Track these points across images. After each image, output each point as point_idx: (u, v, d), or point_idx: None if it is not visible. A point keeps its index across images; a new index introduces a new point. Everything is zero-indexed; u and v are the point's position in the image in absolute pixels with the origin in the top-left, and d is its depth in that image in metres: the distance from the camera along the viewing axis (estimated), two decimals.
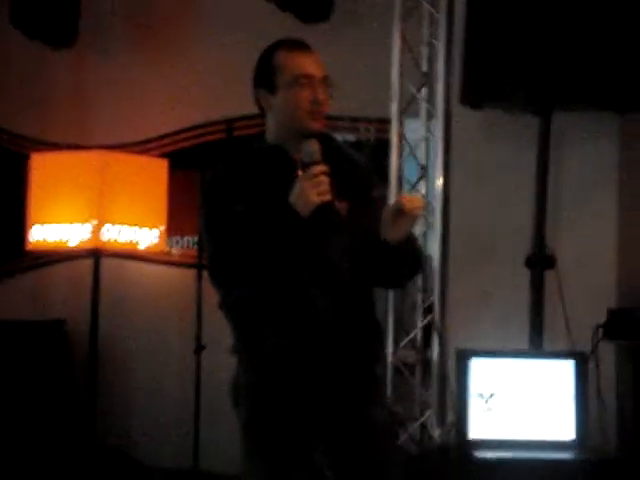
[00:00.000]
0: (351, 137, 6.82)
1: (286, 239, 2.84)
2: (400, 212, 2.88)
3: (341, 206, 2.91)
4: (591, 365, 4.78)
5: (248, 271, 2.85)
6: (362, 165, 3.12)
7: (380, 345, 3.05)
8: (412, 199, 2.93)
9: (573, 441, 4.67)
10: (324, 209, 2.86)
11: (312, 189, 2.84)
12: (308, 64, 2.96)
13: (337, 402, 2.92)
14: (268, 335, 2.90)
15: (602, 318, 4.85)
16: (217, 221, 2.92)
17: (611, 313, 4.86)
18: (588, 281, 5.06)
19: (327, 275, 2.91)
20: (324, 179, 2.86)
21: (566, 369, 4.72)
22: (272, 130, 3.02)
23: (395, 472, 2.95)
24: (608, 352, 4.91)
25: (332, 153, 2.96)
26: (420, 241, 5.53)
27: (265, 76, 3.00)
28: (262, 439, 2.91)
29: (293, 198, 2.86)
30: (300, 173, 2.89)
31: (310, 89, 2.94)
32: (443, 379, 5.25)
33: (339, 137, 6.49)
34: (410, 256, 2.99)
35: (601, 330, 4.84)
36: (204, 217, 2.98)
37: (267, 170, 2.97)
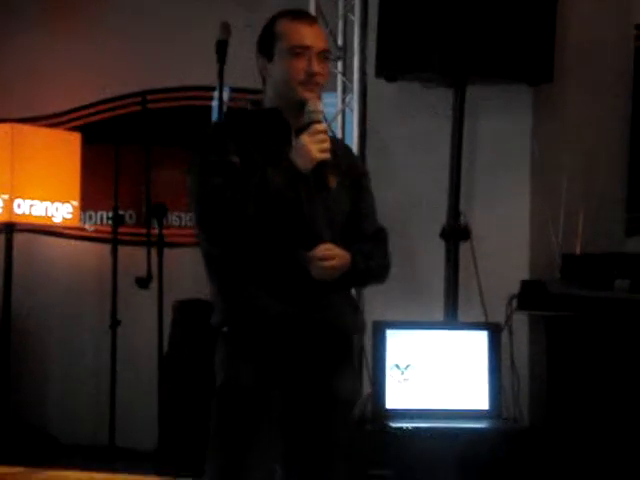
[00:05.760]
0: None
1: (278, 195, 2.85)
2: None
3: (332, 178, 2.93)
4: (505, 336, 4.85)
5: (237, 222, 2.85)
6: (351, 150, 3.26)
7: (359, 315, 3.12)
8: (319, 265, 2.90)
9: (487, 411, 4.74)
10: (322, 167, 2.89)
11: (315, 145, 2.88)
12: (307, 35, 2.99)
13: (308, 373, 2.95)
14: (257, 294, 2.91)
15: (515, 289, 4.91)
16: (211, 168, 2.91)
17: (524, 284, 4.93)
18: (502, 253, 5.12)
19: (312, 238, 2.93)
20: (326, 137, 2.92)
21: (480, 340, 4.78)
22: (269, 97, 3.06)
23: (343, 455, 2.97)
24: (521, 323, 4.98)
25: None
26: None
27: (265, 44, 3.03)
28: (232, 409, 2.92)
29: (294, 153, 2.89)
30: (294, 140, 2.92)
31: (305, 60, 2.96)
32: (360, 351, 5.28)
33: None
34: (359, 281, 3.17)
35: (515, 301, 4.90)
36: (197, 165, 2.94)
37: (263, 130, 3.01)
